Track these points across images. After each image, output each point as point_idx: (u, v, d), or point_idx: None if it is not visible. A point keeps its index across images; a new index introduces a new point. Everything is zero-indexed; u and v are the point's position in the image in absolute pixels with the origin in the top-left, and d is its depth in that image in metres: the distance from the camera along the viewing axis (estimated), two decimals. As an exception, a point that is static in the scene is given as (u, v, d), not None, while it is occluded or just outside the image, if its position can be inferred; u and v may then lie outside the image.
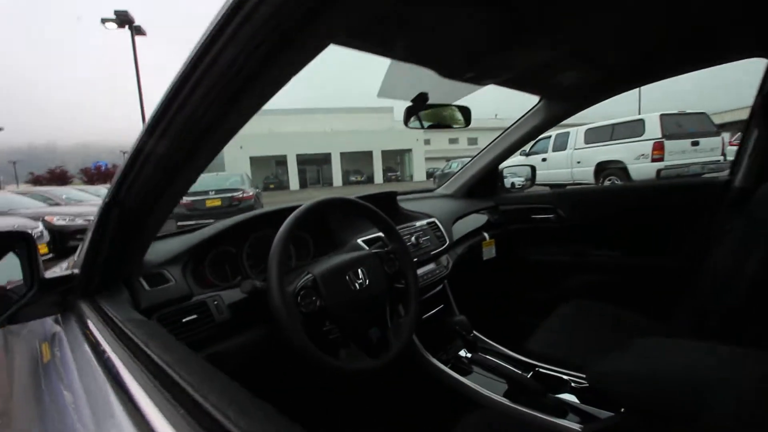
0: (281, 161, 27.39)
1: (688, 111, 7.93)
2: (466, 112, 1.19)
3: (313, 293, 0.77)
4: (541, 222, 1.81)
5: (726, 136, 8.39)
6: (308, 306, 0.76)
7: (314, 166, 29.83)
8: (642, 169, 7.56)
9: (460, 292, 1.44)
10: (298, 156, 26.71)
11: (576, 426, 0.86)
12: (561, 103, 1.40)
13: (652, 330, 1.28)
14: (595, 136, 8.57)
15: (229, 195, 7.35)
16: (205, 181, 8.31)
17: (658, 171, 7.40)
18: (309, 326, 0.74)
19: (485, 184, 1.90)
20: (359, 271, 0.85)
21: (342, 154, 27.62)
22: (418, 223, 1.36)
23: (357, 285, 0.83)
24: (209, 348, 0.78)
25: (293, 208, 0.84)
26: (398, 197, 1.56)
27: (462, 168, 1.95)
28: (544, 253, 1.80)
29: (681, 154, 7.51)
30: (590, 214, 1.68)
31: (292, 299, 0.74)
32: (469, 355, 1.14)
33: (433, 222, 1.44)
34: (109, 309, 0.63)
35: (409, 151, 29.37)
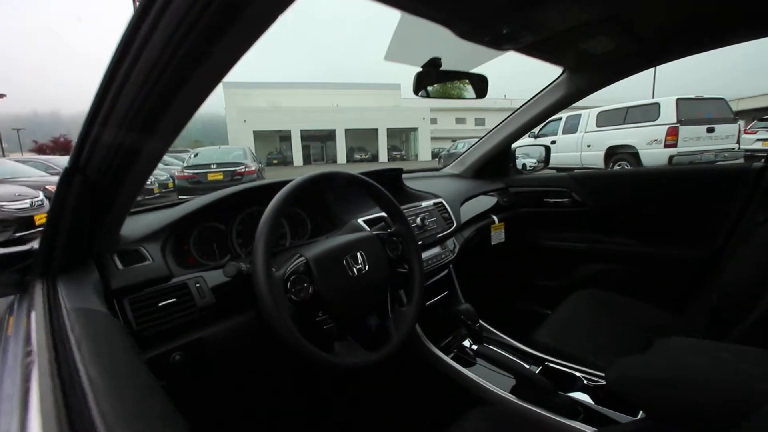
0: (285, 137, 27.04)
1: (706, 96, 7.65)
2: (482, 81, 1.07)
3: (304, 279, 0.68)
4: (554, 206, 1.70)
5: (741, 123, 8.12)
6: (299, 293, 0.67)
7: (318, 142, 29.47)
8: (654, 155, 7.35)
9: (466, 278, 1.36)
10: (303, 132, 26.32)
11: (589, 429, 0.79)
12: (586, 75, 1.27)
13: (668, 324, 1.20)
14: (607, 119, 8.31)
15: (231, 169, 7.24)
16: (207, 154, 8.21)
17: (670, 157, 7.20)
18: (300, 316, 0.66)
19: (496, 164, 1.79)
20: (358, 254, 0.76)
21: (347, 131, 27.21)
22: (424, 204, 1.27)
23: (355, 270, 0.75)
24: (189, 335, 0.70)
25: (285, 183, 0.75)
26: (404, 175, 1.46)
27: (472, 146, 1.84)
28: (556, 238, 1.71)
29: (695, 140, 7.27)
30: (608, 199, 1.57)
31: (280, 286, 0.66)
32: (474, 346, 1.07)
33: (440, 203, 1.34)
34: (65, 293, 0.55)
35: (415, 129, 28.88)
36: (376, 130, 27.64)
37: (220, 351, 0.75)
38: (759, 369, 0.65)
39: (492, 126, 1.75)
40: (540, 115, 1.51)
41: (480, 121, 36.86)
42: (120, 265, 0.69)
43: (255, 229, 1.00)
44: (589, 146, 8.62)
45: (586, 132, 8.69)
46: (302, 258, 0.71)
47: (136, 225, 0.82)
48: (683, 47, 1.06)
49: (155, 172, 8.73)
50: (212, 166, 7.33)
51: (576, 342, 1.09)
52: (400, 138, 31.58)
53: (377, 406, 1.16)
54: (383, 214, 1.13)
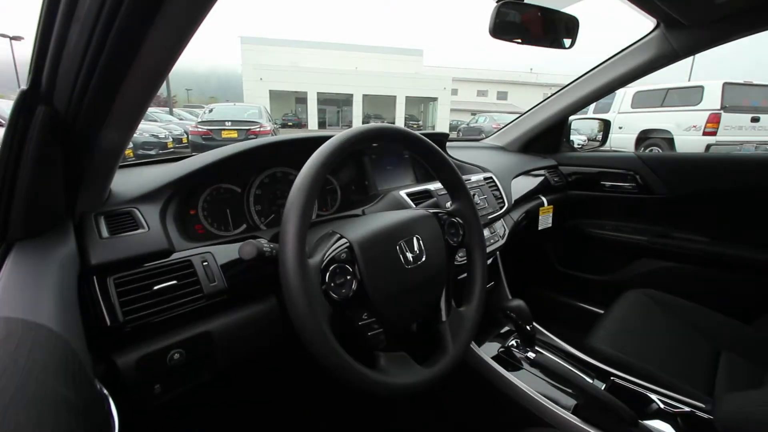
0: (302, 98, 26.36)
1: (755, 82, 7.06)
2: (573, 25, 0.84)
3: (347, 270, 0.51)
4: (611, 190, 1.49)
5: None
6: (340, 290, 0.50)
7: (334, 107, 28.75)
8: (690, 142, 6.91)
9: (512, 267, 1.19)
10: (319, 95, 25.60)
11: None
12: (690, 32, 1.02)
13: (738, 336, 1.02)
14: (644, 100, 7.79)
15: (246, 128, 7.02)
16: (222, 110, 7.98)
17: (708, 146, 6.75)
18: (339, 320, 0.49)
19: (548, 138, 1.57)
20: (414, 239, 0.59)
21: (365, 97, 26.38)
22: (474, 178, 1.07)
23: (411, 259, 0.57)
24: (193, 327, 0.55)
25: (325, 138, 0.56)
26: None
27: (520, 117, 1.61)
28: (611, 228, 1.51)
29: (737, 129, 6.79)
30: (679, 187, 1.35)
31: (316, 279, 0.49)
32: (531, 354, 0.90)
33: (491, 178, 1.15)
34: (13, 270, 0.39)
35: (435, 99, 27.89)
36: (394, 98, 26.76)
37: (233, 349, 0.59)
38: None
39: (514, 100, 1.51)
40: (616, 81, 1.27)
41: (502, 95, 35.35)
42: (106, 233, 0.53)
43: (276, 195, 0.83)
44: (620, 128, 8.14)
45: (619, 113, 8.18)
46: (344, 240, 0.53)
47: (130, 180, 0.65)
48: None
49: (169, 126, 8.58)
50: (227, 123, 7.12)
51: (639, 352, 0.92)
52: (419, 108, 30.61)
53: (413, 419, 1.02)
54: (429, 187, 0.95)
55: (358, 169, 0.95)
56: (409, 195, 0.88)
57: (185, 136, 8.23)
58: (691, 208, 1.34)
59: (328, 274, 0.50)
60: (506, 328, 1.05)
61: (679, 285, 1.34)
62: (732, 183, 1.27)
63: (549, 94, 1.53)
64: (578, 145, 1.77)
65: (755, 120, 6.81)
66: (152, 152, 6.94)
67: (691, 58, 1.20)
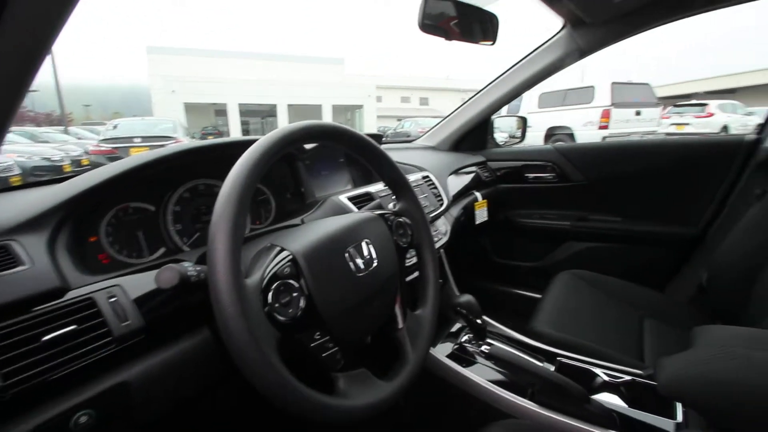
0: (221, 110, 24.93)
1: (635, 81, 8.26)
2: (494, 22, 0.87)
3: (292, 286, 0.45)
4: (535, 181, 1.59)
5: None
6: (286, 309, 0.44)
7: (258, 117, 27.68)
8: (588, 136, 7.81)
9: (456, 263, 1.20)
10: (241, 106, 24.42)
11: None
12: (593, 31, 1.12)
13: (656, 304, 1.14)
14: (548, 100, 8.66)
15: (160, 143, 6.40)
16: (129, 125, 7.20)
17: (603, 138, 7.69)
18: (289, 347, 0.43)
19: (474, 136, 1.63)
20: (363, 244, 0.54)
21: (290, 107, 25.73)
22: (413, 177, 1.07)
23: (361, 265, 0.52)
24: (103, 380, 0.44)
25: (252, 142, 0.49)
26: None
27: (446, 117, 1.66)
28: (538, 216, 1.61)
29: (625, 122, 7.84)
30: (593, 173, 1.48)
31: (257, 300, 0.42)
32: (485, 348, 0.90)
33: (428, 177, 1.15)
34: None
35: (361, 107, 28.23)
36: (320, 107, 26.53)
37: (159, 399, 0.50)
38: None
39: (435, 105, 1.59)
40: (530, 80, 1.36)
41: (424, 101, 36.91)
42: None
43: (200, 211, 0.73)
44: (530, 127, 8.92)
45: (528, 113, 8.98)
46: (286, 253, 0.47)
47: (6, 208, 0.52)
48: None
49: (65, 147, 7.54)
50: (136, 140, 6.43)
51: (577, 329, 0.98)
52: (345, 116, 30.72)
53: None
54: (369, 189, 0.91)
55: (292, 175, 0.88)
56: (350, 199, 0.83)
57: (86, 157, 7.28)
58: (604, 192, 1.48)
59: (270, 293, 0.43)
60: (458, 325, 1.05)
61: (601, 262, 1.47)
62: (634, 166, 1.42)
63: (466, 98, 1.60)
64: (502, 141, 1.87)
65: (638, 113, 7.93)
66: (46, 179, 6.01)
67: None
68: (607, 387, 0.82)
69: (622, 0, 0.93)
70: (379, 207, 0.73)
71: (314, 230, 0.53)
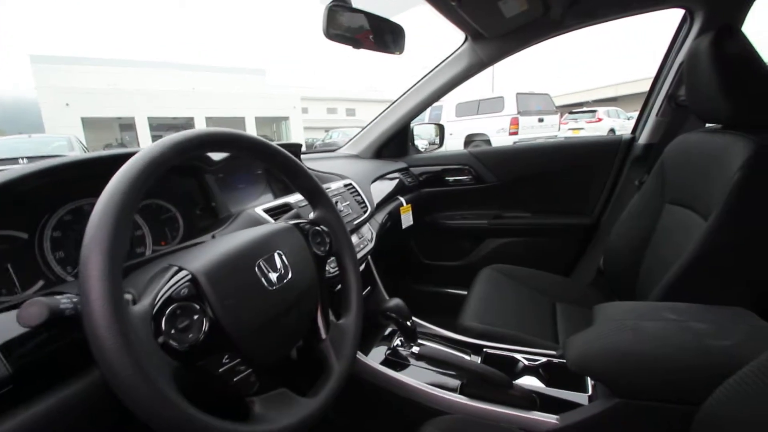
0: (128, 125, 22.60)
1: (536, 91, 9.23)
2: (400, 32, 0.90)
3: (192, 309, 0.41)
4: (455, 184, 1.68)
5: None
6: (184, 336, 0.40)
7: (173, 131, 25.63)
8: (501, 142, 8.51)
9: (384, 268, 1.21)
10: (152, 119, 22.34)
11: (552, 418, 0.72)
12: (491, 44, 1.22)
13: (564, 288, 1.27)
14: (464, 110, 9.30)
15: (51, 164, 5.59)
16: (11, 144, 6.21)
17: (514, 143, 8.45)
18: (193, 377, 0.39)
19: (396, 143, 1.68)
20: (276, 256, 0.52)
21: (209, 120, 24.19)
22: (334, 185, 1.06)
23: (274, 279, 0.50)
24: None
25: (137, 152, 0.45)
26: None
27: (367, 126, 1.69)
28: (459, 217, 1.70)
29: (531, 129, 8.69)
30: (505, 174, 1.61)
31: (146, 329, 0.37)
32: (415, 348, 0.92)
33: (350, 184, 1.15)
34: None
35: (286, 119, 27.60)
36: (243, 119, 25.40)
37: None
38: (705, 325, 0.66)
39: (362, 116, 1.64)
40: (441, 88, 1.44)
41: (351, 112, 37.32)
42: None
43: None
44: (451, 134, 9.49)
45: (447, 122, 9.53)
46: (185, 273, 0.43)
47: None
48: (587, 15, 1.08)
49: None
50: (21, 161, 5.54)
51: (500, 320, 1.05)
52: (271, 128, 29.79)
53: None
54: (287, 200, 0.89)
55: (200, 189, 0.82)
56: (267, 211, 0.80)
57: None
58: (514, 191, 1.61)
59: (164, 319, 0.39)
60: (389, 330, 1.06)
61: (517, 255, 1.59)
62: (538, 166, 1.57)
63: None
64: (423, 148, 1.95)
65: (541, 120, 8.84)
66: None
67: (491, 71, 1.46)
68: (527, 371, 0.88)
69: (512, 17, 1.03)
70: (297, 217, 0.71)
71: (219, 246, 0.49)
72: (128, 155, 0.45)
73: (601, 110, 11.46)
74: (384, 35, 0.89)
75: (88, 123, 20.19)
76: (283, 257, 0.53)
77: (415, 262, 1.78)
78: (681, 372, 0.59)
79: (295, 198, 0.91)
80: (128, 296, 0.43)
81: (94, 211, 0.37)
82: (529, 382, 0.84)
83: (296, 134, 27.28)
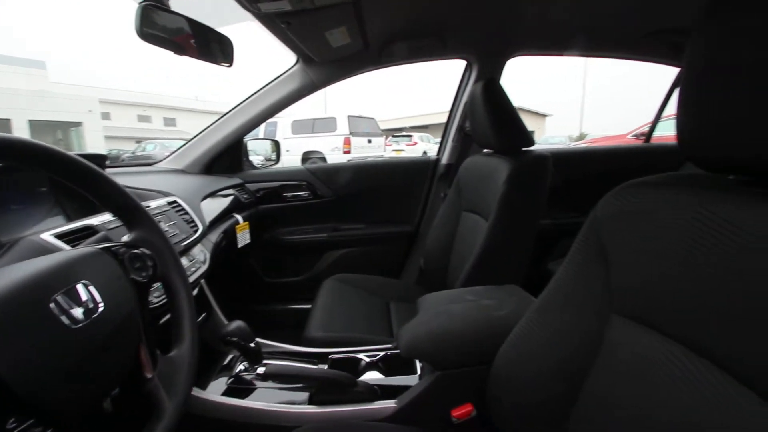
0: None
1: (364, 115, 10.15)
2: (227, 44, 0.87)
3: None
4: (294, 199, 1.70)
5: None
6: None
7: None
8: (337, 159, 8.99)
9: (220, 291, 1.13)
10: None
11: (391, 403, 0.81)
12: (321, 68, 1.31)
13: (396, 288, 1.45)
14: (300, 128, 9.44)
15: None
16: None
17: (348, 162, 9.05)
18: None
19: (228, 158, 1.59)
20: (80, 287, 0.43)
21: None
22: (155, 203, 0.93)
23: (79, 315, 0.41)
24: None
25: None
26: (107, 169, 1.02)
27: (193, 138, 1.55)
28: (299, 232, 1.72)
29: (361, 148, 9.47)
30: (339, 188, 1.72)
31: None
32: (261, 370, 0.87)
33: (175, 202, 1.03)
34: None
35: (79, 125, 22.14)
36: (8, 122, 19.07)
37: None
38: (491, 301, 0.86)
39: (183, 127, 1.54)
40: (274, 105, 1.45)
41: (170, 121, 32.66)
42: None
43: None
44: (288, 151, 9.46)
45: (284, 138, 9.48)
46: None
47: None
48: (397, 56, 1.27)
49: None
50: None
51: (343, 326, 1.12)
52: (55, 135, 23.30)
53: None
54: (90, 221, 0.74)
55: None
56: (59, 236, 0.64)
57: None
58: (350, 204, 1.74)
59: None
60: (229, 357, 0.99)
61: (356, 264, 1.71)
62: (368, 182, 1.75)
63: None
64: (258, 164, 1.90)
65: (370, 141, 9.73)
66: None
67: (323, 93, 1.57)
68: (369, 367, 0.96)
69: (338, 47, 1.14)
70: (106, 240, 0.60)
71: None
72: None
73: (416, 135, 13.44)
74: (209, 44, 0.85)
75: None
76: (90, 288, 0.44)
77: (256, 282, 1.70)
78: (477, 341, 0.76)
79: (101, 219, 0.76)
80: None
81: None
82: (372, 376, 0.92)
83: (94, 144, 22.16)
